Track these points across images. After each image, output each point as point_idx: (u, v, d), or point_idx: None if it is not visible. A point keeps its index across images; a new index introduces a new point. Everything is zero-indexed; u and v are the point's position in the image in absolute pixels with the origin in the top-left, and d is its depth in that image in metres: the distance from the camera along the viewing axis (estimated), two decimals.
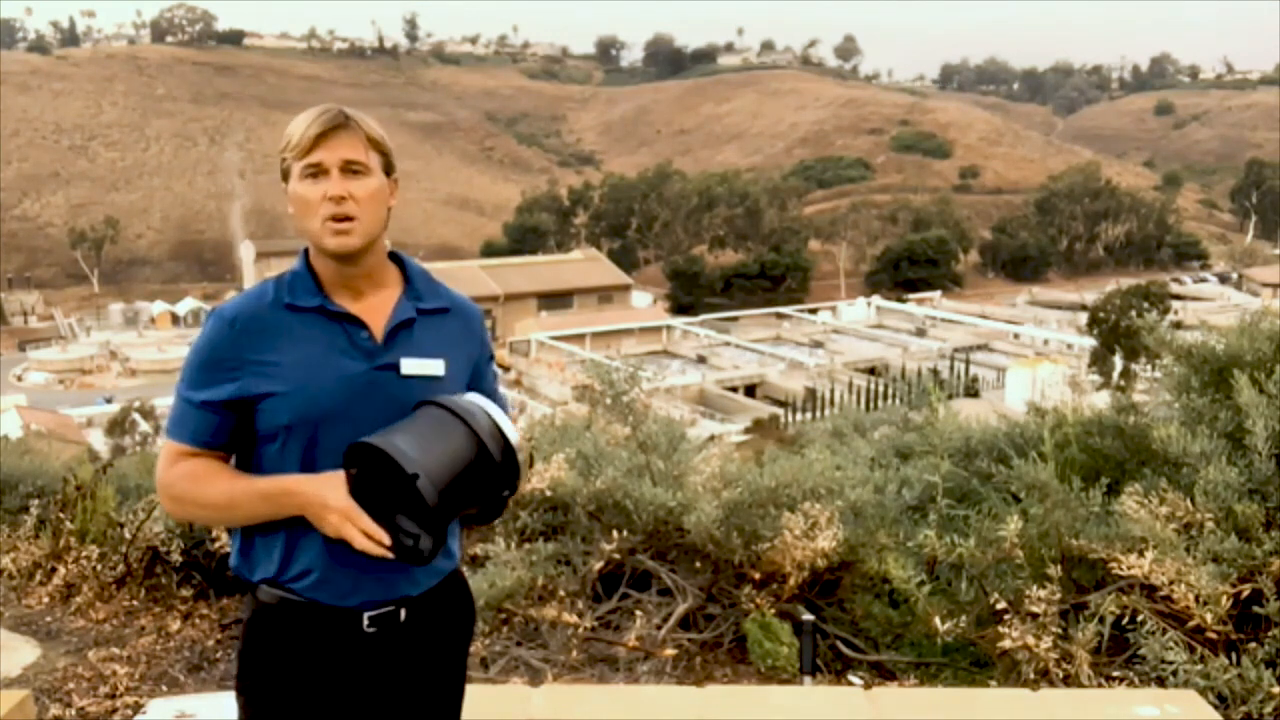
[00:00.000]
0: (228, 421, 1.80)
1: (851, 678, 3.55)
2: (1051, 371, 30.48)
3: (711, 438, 6.08)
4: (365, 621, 1.81)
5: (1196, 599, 3.04)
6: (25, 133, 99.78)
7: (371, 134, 1.82)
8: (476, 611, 2.07)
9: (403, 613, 1.84)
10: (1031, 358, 43.59)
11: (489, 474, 1.69)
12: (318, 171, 1.78)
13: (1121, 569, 3.18)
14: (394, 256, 1.95)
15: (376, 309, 1.85)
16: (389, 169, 1.86)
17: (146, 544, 4.61)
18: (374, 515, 1.67)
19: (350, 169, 1.78)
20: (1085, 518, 3.48)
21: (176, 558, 4.54)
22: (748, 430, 31.58)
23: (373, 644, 1.82)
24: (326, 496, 1.69)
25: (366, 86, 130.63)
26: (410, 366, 1.83)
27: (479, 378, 1.97)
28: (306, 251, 1.87)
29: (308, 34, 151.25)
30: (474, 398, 1.76)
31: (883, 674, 3.58)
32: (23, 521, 5.12)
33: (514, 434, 1.71)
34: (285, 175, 1.83)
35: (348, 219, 1.77)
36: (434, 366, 1.85)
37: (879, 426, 5.81)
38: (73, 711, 3.58)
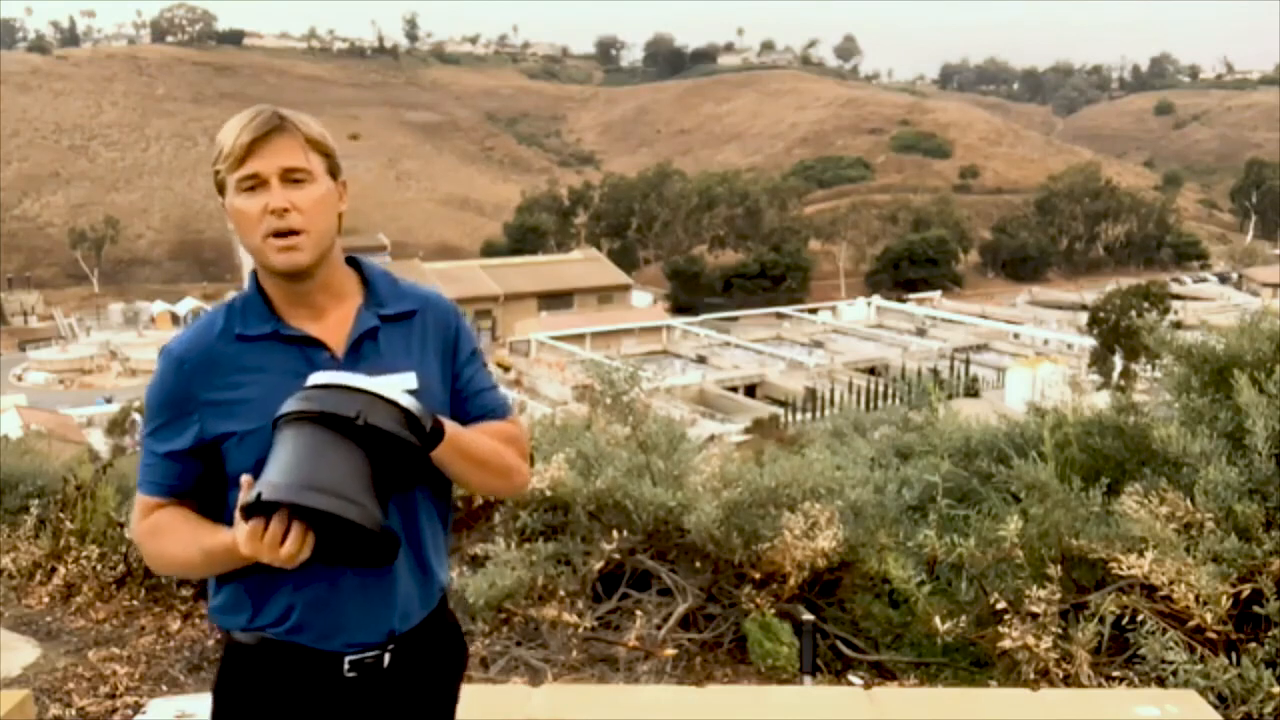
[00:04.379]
0: (193, 468, 1.68)
1: (851, 678, 3.55)
2: (1051, 371, 30.45)
3: (711, 438, 6.09)
4: (345, 665, 1.69)
5: (1196, 599, 3.04)
6: (25, 133, 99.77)
7: (310, 135, 1.65)
8: (468, 651, 1.95)
9: (386, 657, 1.72)
10: (1031, 358, 43.55)
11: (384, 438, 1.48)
12: (256, 183, 1.61)
13: (1121, 569, 3.18)
14: (351, 261, 1.78)
15: (337, 325, 1.70)
16: (334, 171, 1.69)
17: None
18: (331, 552, 1.52)
19: (291, 178, 1.62)
20: (1085, 518, 3.47)
21: None
22: (748, 430, 31.53)
23: (354, 688, 1.71)
24: (236, 536, 1.51)
25: (366, 86, 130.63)
26: None
27: (464, 380, 1.81)
28: (255, 273, 1.71)
29: (308, 34, 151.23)
30: (318, 378, 1.53)
31: (883, 674, 3.58)
32: (23, 521, 5.12)
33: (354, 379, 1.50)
34: (220, 188, 1.66)
35: (294, 233, 1.61)
36: (404, 380, 1.68)
37: (879, 426, 5.80)
38: (73, 711, 3.58)
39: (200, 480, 1.69)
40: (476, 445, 1.71)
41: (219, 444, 1.65)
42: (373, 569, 1.60)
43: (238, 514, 1.50)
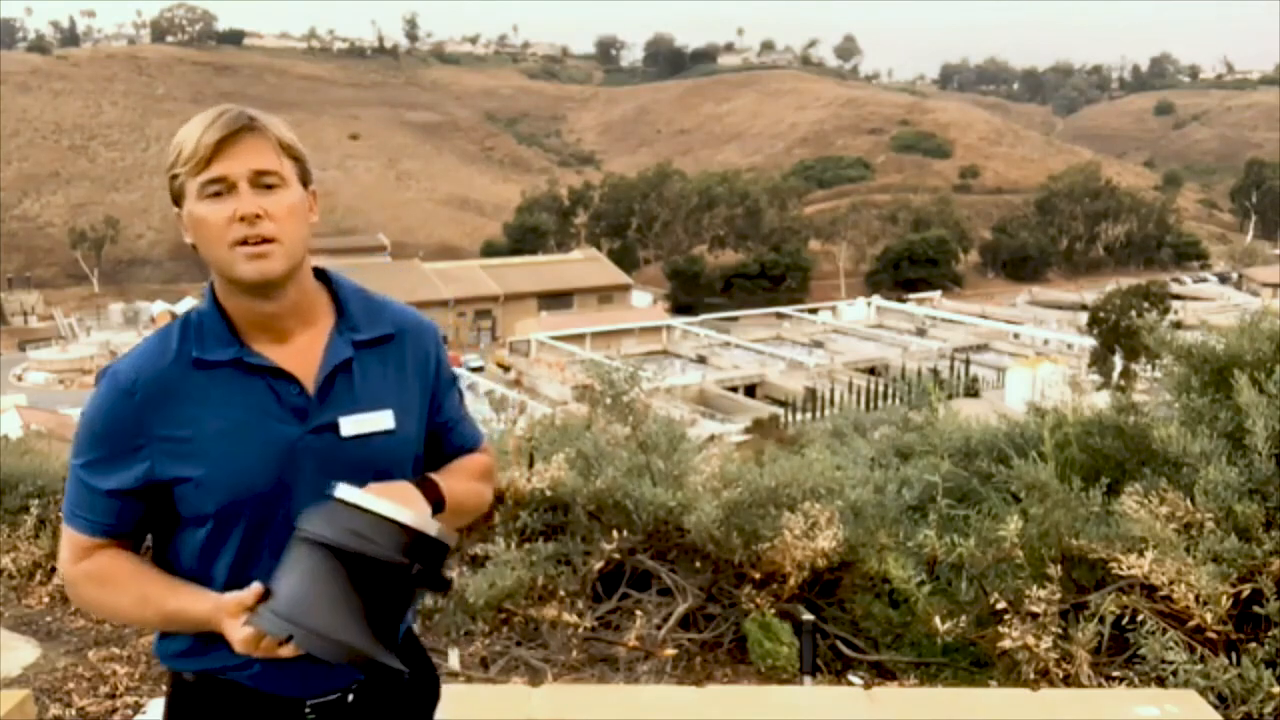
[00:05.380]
0: (136, 509, 1.52)
1: (851, 678, 3.55)
2: (1051, 371, 30.48)
3: (711, 438, 6.09)
4: (306, 708, 1.57)
5: (1196, 599, 3.04)
6: (25, 133, 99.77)
7: (283, 138, 1.50)
8: (440, 683, 1.80)
9: (350, 696, 1.60)
10: (1031, 358, 43.61)
11: (381, 567, 1.38)
12: (223, 188, 1.44)
13: (1121, 569, 3.18)
14: (320, 274, 1.62)
15: (306, 352, 1.54)
16: (305, 178, 1.54)
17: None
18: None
19: (262, 182, 1.46)
20: (1085, 518, 3.47)
21: None
22: (748, 430, 31.55)
23: None
24: (226, 629, 1.41)
25: (366, 86, 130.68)
26: (352, 426, 1.53)
27: (446, 412, 1.71)
28: (213, 287, 1.54)
29: (308, 34, 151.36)
30: (345, 492, 1.40)
31: (883, 674, 3.58)
32: (23, 521, 5.12)
33: (379, 506, 1.38)
34: (177, 197, 1.49)
35: (265, 241, 1.46)
36: (380, 420, 1.55)
37: (879, 426, 5.81)
38: (73, 711, 3.58)
39: (141, 521, 1.54)
40: (465, 500, 1.66)
41: (172, 486, 1.49)
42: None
43: (234, 601, 1.40)
